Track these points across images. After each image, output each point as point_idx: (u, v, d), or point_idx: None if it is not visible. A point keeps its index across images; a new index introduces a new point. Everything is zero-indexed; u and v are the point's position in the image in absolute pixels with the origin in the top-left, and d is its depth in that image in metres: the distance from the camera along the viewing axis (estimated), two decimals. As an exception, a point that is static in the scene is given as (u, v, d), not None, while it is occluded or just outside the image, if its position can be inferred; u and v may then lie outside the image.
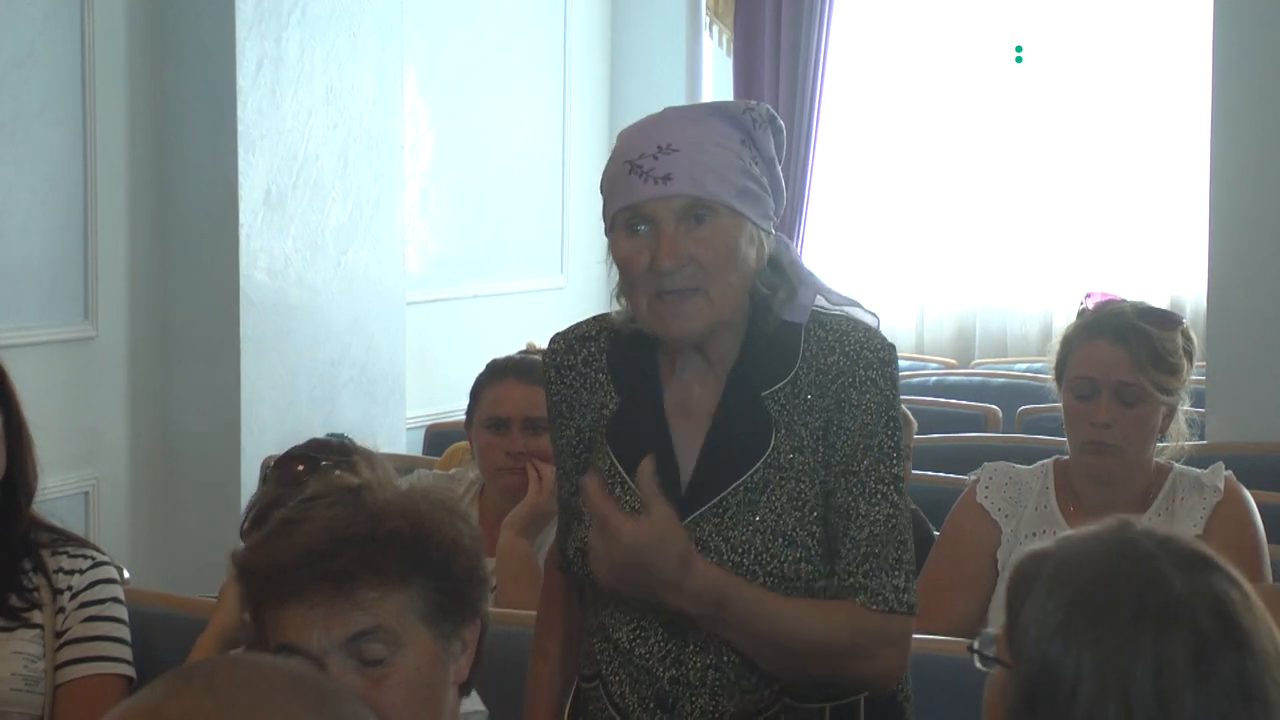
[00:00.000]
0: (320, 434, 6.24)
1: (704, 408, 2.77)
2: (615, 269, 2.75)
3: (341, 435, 3.55)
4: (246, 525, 3.36)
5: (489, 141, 7.98)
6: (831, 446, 2.72)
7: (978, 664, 2.03)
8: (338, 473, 2.91)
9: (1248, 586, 1.95)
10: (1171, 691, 1.86)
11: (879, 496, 2.71)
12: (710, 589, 2.61)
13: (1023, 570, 1.99)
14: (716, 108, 2.76)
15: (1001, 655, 1.98)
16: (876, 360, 2.74)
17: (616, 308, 2.84)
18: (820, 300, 2.79)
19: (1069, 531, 2.03)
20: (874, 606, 2.68)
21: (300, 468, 3.36)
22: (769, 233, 2.74)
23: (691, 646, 2.73)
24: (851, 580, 2.69)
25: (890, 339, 2.82)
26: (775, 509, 2.69)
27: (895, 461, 2.74)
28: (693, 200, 2.64)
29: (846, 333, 2.76)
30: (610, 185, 2.73)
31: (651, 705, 2.75)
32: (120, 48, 5.97)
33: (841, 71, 8.94)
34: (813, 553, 2.69)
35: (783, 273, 2.77)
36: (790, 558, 2.68)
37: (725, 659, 2.72)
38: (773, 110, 2.77)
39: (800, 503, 2.69)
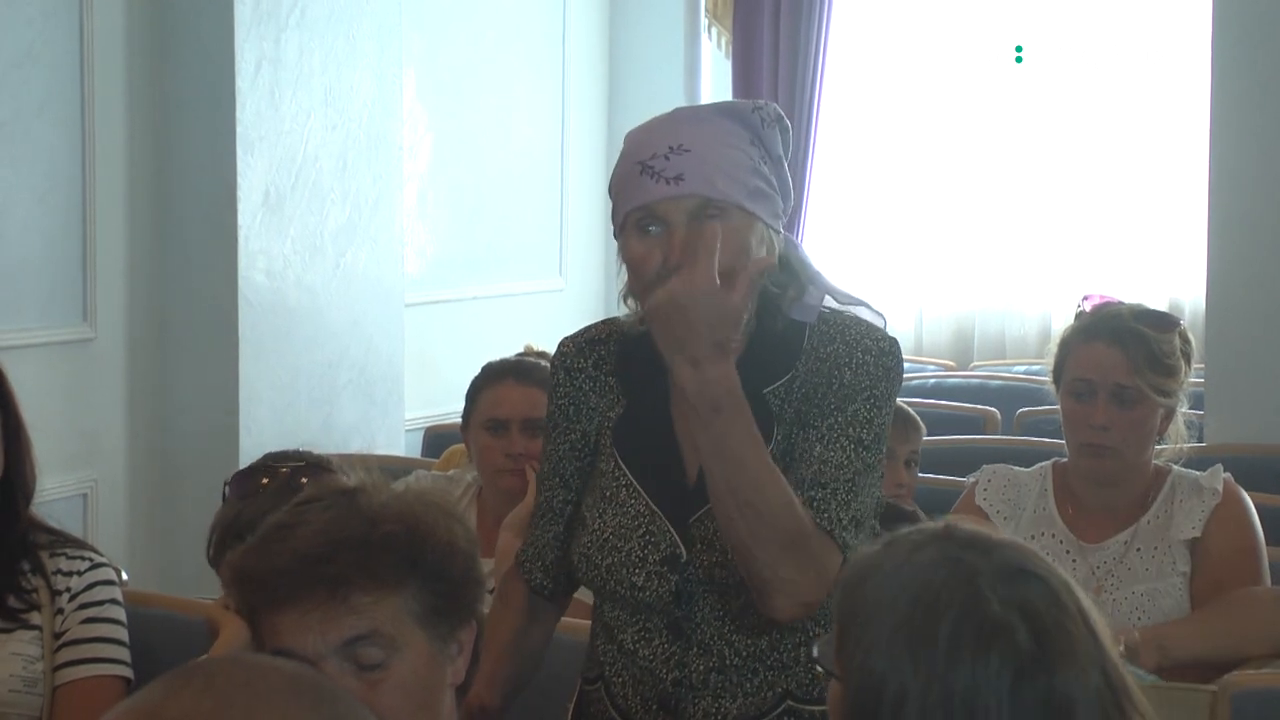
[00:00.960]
0: (319, 435, 6.28)
1: None
2: (623, 270, 2.75)
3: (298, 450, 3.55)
4: (212, 551, 3.36)
5: (488, 143, 7.98)
6: (809, 411, 2.72)
7: (816, 670, 2.04)
8: (332, 475, 2.90)
9: (1070, 595, 1.95)
10: (987, 711, 1.87)
11: (836, 447, 2.68)
12: (721, 392, 2.54)
13: (850, 581, 2.00)
14: (726, 107, 2.76)
15: (835, 666, 1.99)
16: (875, 349, 2.74)
17: (622, 309, 2.84)
18: (829, 300, 2.80)
19: (900, 532, 2.02)
20: (819, 521, 2.65)
21: (264, 480, 3.36)
22: (778, 232, 2.74)
23: (695, 649, 2.73)
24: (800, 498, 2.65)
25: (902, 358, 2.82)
26: None
27: (865, 430, 2.70)
28: (705, 200, 2.64)
29: (849, 326, 2.77)
30: (621, 186, 2.72)
31: (654, 707, 2.76)
32: (119, 48, 5.97)
33: (840, 73, 8.94)
34: None
35: (791, 272, 2.77)
36: None
37: (728, 661, 2.73)
38: (780, 110, 2.77)
39: (797, 490, 2.68)
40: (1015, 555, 1.96)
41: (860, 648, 1.93)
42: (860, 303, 2.84)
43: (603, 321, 2.94)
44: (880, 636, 1.91)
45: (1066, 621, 1.92)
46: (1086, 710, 1.89)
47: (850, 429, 2.70)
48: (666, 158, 2.65)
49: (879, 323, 2.83)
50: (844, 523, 2.67)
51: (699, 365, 2.52)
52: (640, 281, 2.70)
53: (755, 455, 2.57)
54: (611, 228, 2.80)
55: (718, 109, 2.77)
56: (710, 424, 2.55)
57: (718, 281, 2.51)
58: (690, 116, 2.74)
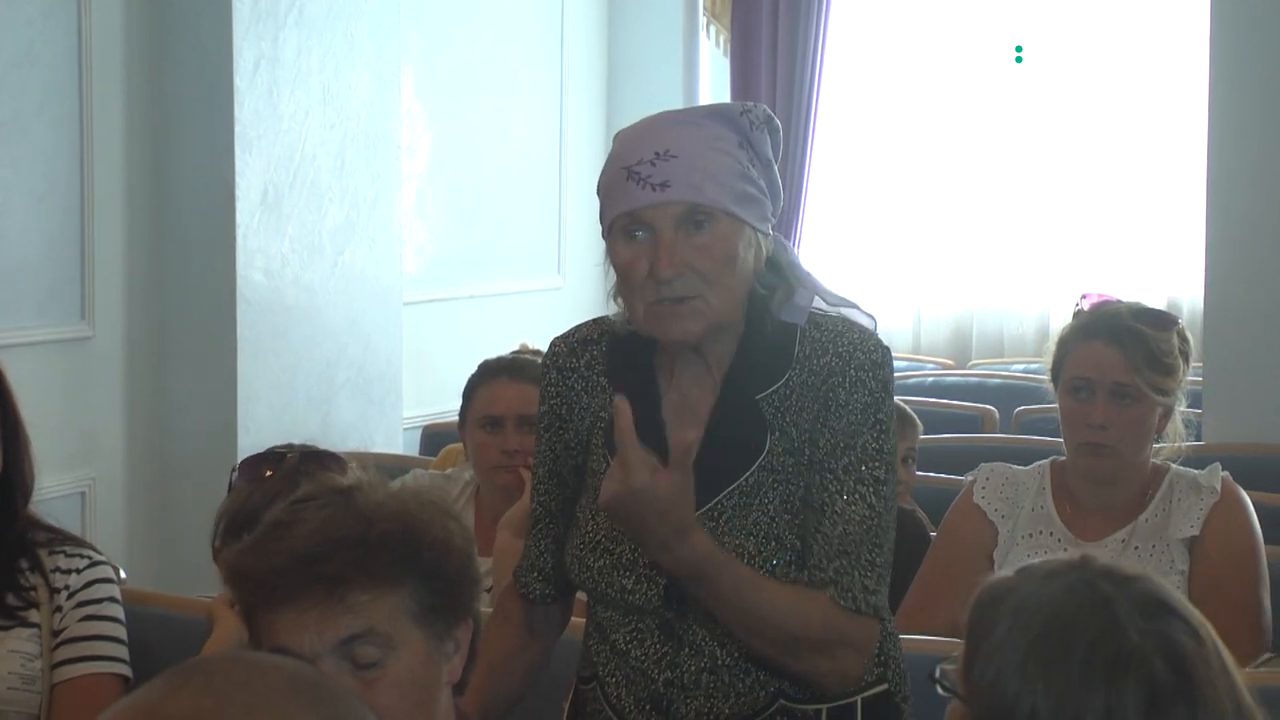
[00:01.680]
0: (316, 435, 6.27)
1: (701, 410, 2.77)
2: (611, 271, 2.74)
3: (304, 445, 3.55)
4: (218, 541, 3.35)
5: (486, 142, 7.98)
6: (815, 444, 2.71)
7: (940, 691, 2.04)
8: (332, 472, 2.90)
9: (1208, 633, 1.95)
10: None
11: (857, 496, 2.69)
12: (697, 561, 2.60)
13: (983, 603, 2.00)
14: (713, 110, 2.75)
15: (960, 687, 1.99)
16: (868, 362, 2.73)
17: (613, 308, 2.84)
18: (818, 302, 2.79)
19: (1031, 563, 2.03)
20: (842, 603, 2.67)
21: (268, 471, 3.36)
22: (767, 234, 2.74)
23: (686, 650, 2.73)
24: (822, 575, 2.67)
25: (887, 340, 2.81)
26: (768, 512, 2.69)
27: (878, 464, 2.71)
28: (691, 207, 2.63)
29: (841, 334, 2.75)
30: (607, 191, 2.72)
31: (648, 707, 2.76)
32: (117, 48, 5.97)
33: (839, 72, 8.94)
34: (801, 553, 2.69)
35: (781, 273, 2.77)
36: (781, 561, 2.68)
37: (720, 662, 2.72)
38: (769, 111, 2.76)
39: (790, 505, 2.69)
40: (1154, 588, 1.97)
41: (991, 669, 1.93)
42: (850, 304, 2.84)
43: (593, 321, 2.93)
44: (1012, 659, 1.92)
45: (1205, 655, 1.92)
46: None
47: (864, 467, 2.70)
48: (653, 164, 2.64)
49: (869, 324, 2.82)
50: (870, 588, 2.69)
51: (666, 549, 2.59)
52: (629, 287, 2.70)
53: (754, 596, 2.64)
54: (607, 228, 2.80)
55: (706, 112, 2.76)
56: (700, 589, 2.64)
57: (647, 471, 2.55)
58: (677, 120, 2.73)
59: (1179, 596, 1.98)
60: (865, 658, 2.71)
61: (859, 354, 2.73)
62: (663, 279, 2.63)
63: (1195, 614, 1.96)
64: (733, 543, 2.68)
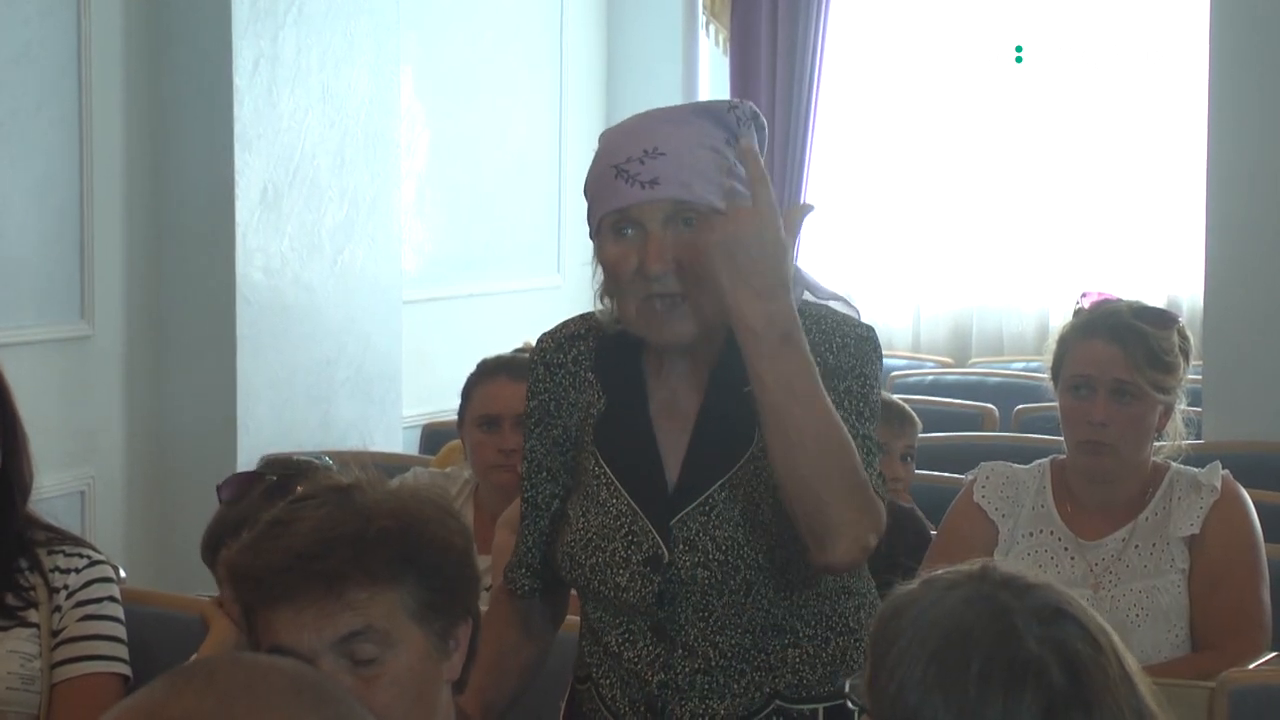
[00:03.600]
0: (316, 433, 6.28)
1: (689, 408, 2.77)
2: (599, 269, 2.74)
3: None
4: (206, 555, 3.34)
5: (485, 141, 7.98)
6: None
7: (849, 705, 2.04)
8: (327, 472, 2.90)
9: (1108, 639, 1.95)
10: None
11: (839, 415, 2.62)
12: (789, 318, 2.52)
13: (885, 616, 2.00)
14: (700, 108, 2.75)
15: (866, 700, 1.99)
16: (853, 334, 2.74)
17: (598, 307, 2.84)
18: (807, 295, 2.79)
19: (936, 572, 2.02)
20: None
21: (252, 485, 3.34)
22: None
23: (680, 651, 2.73)
24: None
25: (886, 338, 2.82)
26: (755, 500, 2.68)
27: (863, 405, 2.69)
28: (680, 204, 2.63)
29: (824, 316, 2.75)
30: (595, 189, 2.72)
31: (642, 709, 2.75)
32: (116, 46, 5.97)
33: (838, 70, 8.94)
34: (785, 536, 2.67)
35: None
36: (765, 546, 2.67)
37: (714, 663, 2.72)
38: (755, 108, 2.75)
39: (773, 489, 2.66)
40: (1051, 596, 1.96)
41: (893, 682, 1.93)
42: (837, 297, 2.83)
43: (580, 317, 2.92)
44: (913, 672, 1.92)
45: (1102, 662, 1.92)
46: None
47: (846, 402, 2.67)
48: (641, 161, 2.64)
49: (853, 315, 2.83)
50: (873, 476, 2.65)
51: (767, 297, 2.50)
52: (617, 285, 2.70)
53: (820, 391, 2.53)
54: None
55: (693, 109, 2.75)
56: (779, 356, 2.51)
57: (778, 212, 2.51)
58: (665, 118, 2.72)
59: (1079, 604, 1.98)
60: (879, 529, 2.62)
61: (843, 327, 2.75)
62: (652, 275, 2.63)
63: (1095, 620, 1.96)
64: (724, 536, 2.68)
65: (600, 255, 2.71)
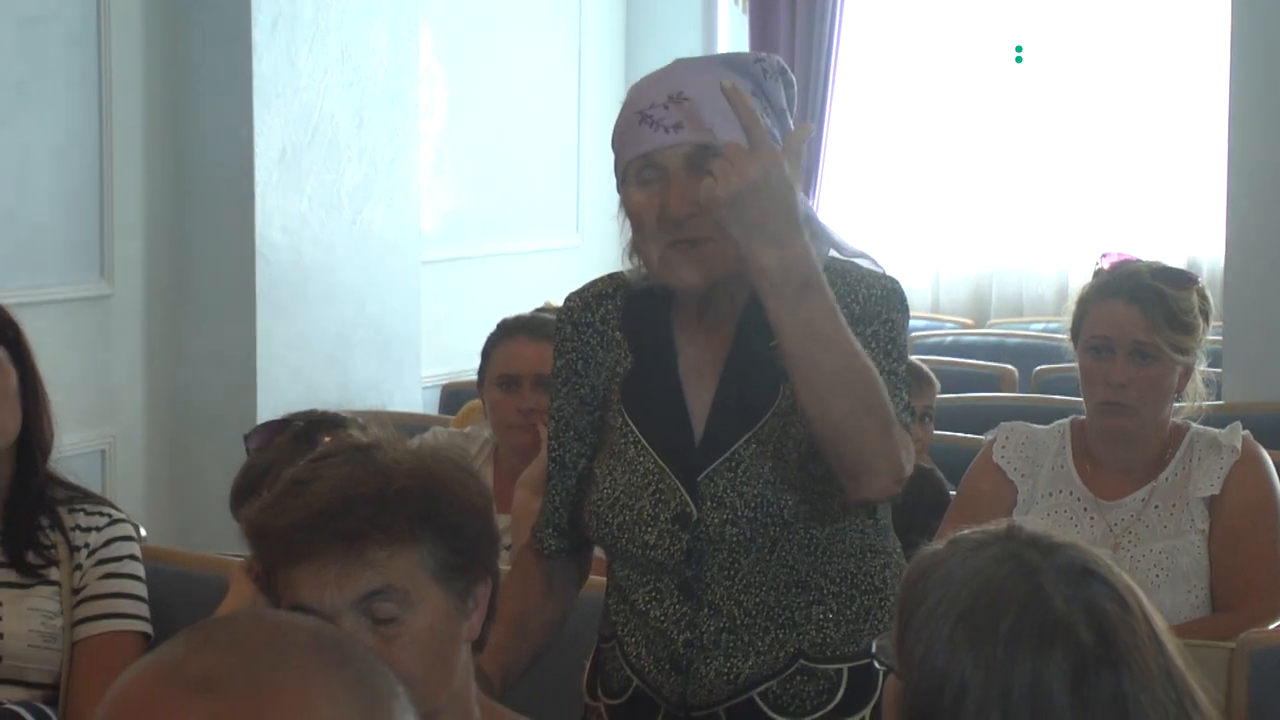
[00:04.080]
0: (335, 393, 6.28)
1: (716, 363, 2.76)
2: (627, 226, 2.74)
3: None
4: (233, 504, 3.35)
5: (504, 101, 7.97)
6: None
7: (876, 666, 2.03)
8: (351, 430, 2.89)
9: (1135, 598, 1.95)
10: (1047, 707, 1.88)
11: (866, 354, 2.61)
12: (808, 261, 2.48)
13: (912, 577, 2.00)
14: (727, 59, 2.74)
15: (895, 661, 1.99)
16: (878, 286, 2.73)
17: (627, 265, 2.83)
18: (832, 253, 2.78)
19: (963, 533, 2.02)
20: None
21: (278, 435, 3.35)
22: None
23: (706, 610, 2.73)
24: None
25: (908, 299, 2.80)
26: (781, 455, 2.68)
27: (891, 347, 2.68)
28: (703, 148, 2.61)
29: (848, 270, 2.74)
30: (621, 137, 2.71)
31: (667, 667, 2.75)
32: (135, 6, 5.96)
33: (858, 31, 8.91)
34: (810, 492, 2.67)
35: None
36: (791, 500, 2.67)
37: (739, 621, 2.72)
38: (783, 63, 2.74)
39: (802, 447, 2.66)
40: (1079, 556, 1.96)
41: (920, 643, 1.93)
42: (863, 254, 2.82)
43: (608, 276, 2.91)
44: (940, 632, 1.92)
45: (1131, 621, 1.92)
46: (1149, 710, 1.89)
47: (873, 342, 2.67)
48: (665, 107, 2.63)
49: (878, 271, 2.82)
50: (901, 408, 2.64)
51: (783, 243, 2.46)
52: (641, 233, 2.69)
53: (844, 331, 2.51)
54: (626, 184, 2.78)
55: (719, 60, 2.74)
56: (801, 301, 2.47)
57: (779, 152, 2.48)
58: (690, 66, 2.71)
59: (1106, 562, 1.98)
60: (911, 461, 2.61)
61: (868, 278, 2.73)
62: (676, 218, 2.62)
63: (1122, 579, 1.96)
64: (752, 492, 2.68)
65: (626, 204, 2.70)
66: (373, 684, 1.45)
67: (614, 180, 2.76)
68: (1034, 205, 8.91)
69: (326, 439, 3.02)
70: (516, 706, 2.56)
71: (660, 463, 2.74)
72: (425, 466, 2.33)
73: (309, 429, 3.23)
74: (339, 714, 1.41)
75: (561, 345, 2.89)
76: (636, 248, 2.73)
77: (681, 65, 2.72)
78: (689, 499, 2.71)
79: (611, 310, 2.86)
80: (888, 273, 2.81)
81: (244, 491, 3.21)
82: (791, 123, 2.75)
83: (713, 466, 2.70)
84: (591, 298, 2.88)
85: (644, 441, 2.76)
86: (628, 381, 2.81)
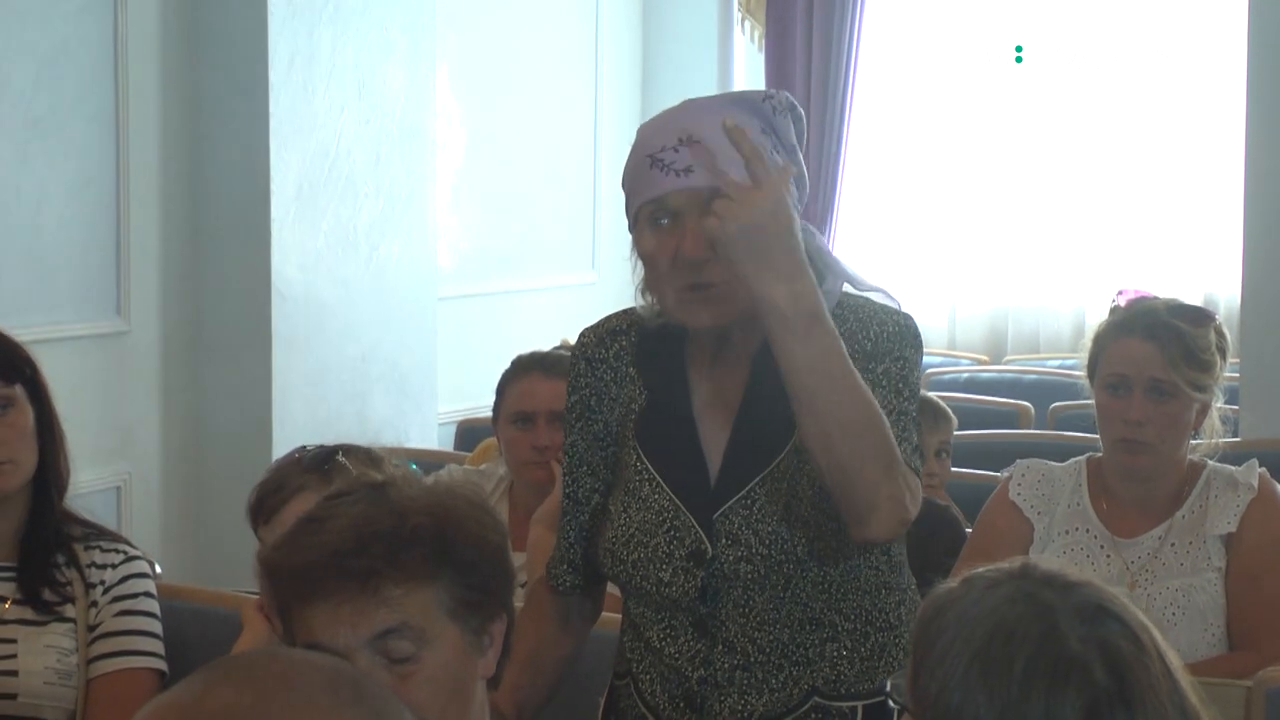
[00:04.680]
0: (352, 429, 6.28)
1: (732, 401, 2.76)
2: (639, 264, 2.74)
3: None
4: (254, 516, 3.34)
5: (521, 138, 7.99)
6: None
7: (890, 704, 2.03)
8: (368, 468, 2.90)
9: (1150, 636, 1.94)
10: None
11: (877, 393, 2.61)
12: (817, 297, 2.49)
13: (927, 615, 1.99)
14: (736, 98, 2.74)
15: (909, 699, 1.99)
16: (891, 322, 2.73)
17: (640, 303, 2.83)
18: (847, 288, 2.78)
19: (978, 571, 2.02)
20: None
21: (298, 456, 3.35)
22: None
23: (720, 647, 2.73)
24: None
25: (923, 336, 2.80)
26: (796, 493, 2.68)
27: (902, 384, 2.68)
28: (715, 190, 2.62)
29: (863, 305, 2.75)
30: (632, 180, 2.71)
31: (681, 704, 2.75)
32: (153, 43, 5.99)
33: (874, 67, 8.93)
34: (824, 529, 2.67)
35: (810, 260, 2.75)
36: (806, 538, 2.67)
37: (753, 659, 2.72)
38: (792, 98, 2.75)
39: (814, 479, 2.66)
40: (1094, 594, 1.96)
41: (935, 681, 1.93)
42: (878, 289, 2.82)
43: (622, 312, 2.91)
44: (955, 671, 1.91)
45: (1145, 660, 1.91)
46: None
47: (884, 380, 2.67)
48: (675, 150, 2.63)
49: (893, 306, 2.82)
50: (909, 451, 2.65)
51: (791, 278, 2.47)
52: (655, 275, 2.69)
53: (851, 371, 2.51)
54: (639, 221, 2.78)
55: (728, 99, 2.74)
56: (809, 336, 2.48)
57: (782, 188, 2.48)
58: (700, 108, 2.71)
59: (1121, 601, 1.97)
60: (916, 503, 2.62)
61: (881, 314, 2.74)
62: (690, 262, 2.62)
63: (1137, 617, 1.96)
64: (766, 528, 2.67)
65: (639, 247, 2.70)
66: (389, 722, 1.45)
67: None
68: (1050, 242, 8.91)
69: (340, 457, 3.03)
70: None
71: (675, 500, 2.74)
72: (440, 504, 2.33)
73: (325, 451, 3.23)
74: (355, 751, 1.41)
75: (575, 381, 2.89)
76: (650, 286, 2.74)
77: (690, 106, 2.72)
78: (704, 536, 2.71)
79: (625, 346, 2.86)
80: (903, 308, 2.81)
81: (254, 509, 3.22)
82: (803, 159, 2.76)
83: (728, 504, 2.70)
84: (605, 333, 2.89)
85: (659, 479, 2.76)
86: (642, 418, 2.81)
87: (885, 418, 2.55)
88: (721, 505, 2.71)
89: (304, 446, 3.38)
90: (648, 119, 2.78)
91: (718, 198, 2.52)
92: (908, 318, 2.77)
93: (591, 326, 2.93)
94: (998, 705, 1.88)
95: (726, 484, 2.71)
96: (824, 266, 2.72)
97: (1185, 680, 1.95)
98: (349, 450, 3.17)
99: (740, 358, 2.76)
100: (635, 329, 2.86)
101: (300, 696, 1.42)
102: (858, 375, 2.52)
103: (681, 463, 2.76)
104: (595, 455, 2.88)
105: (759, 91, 2.73)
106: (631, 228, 2.72)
